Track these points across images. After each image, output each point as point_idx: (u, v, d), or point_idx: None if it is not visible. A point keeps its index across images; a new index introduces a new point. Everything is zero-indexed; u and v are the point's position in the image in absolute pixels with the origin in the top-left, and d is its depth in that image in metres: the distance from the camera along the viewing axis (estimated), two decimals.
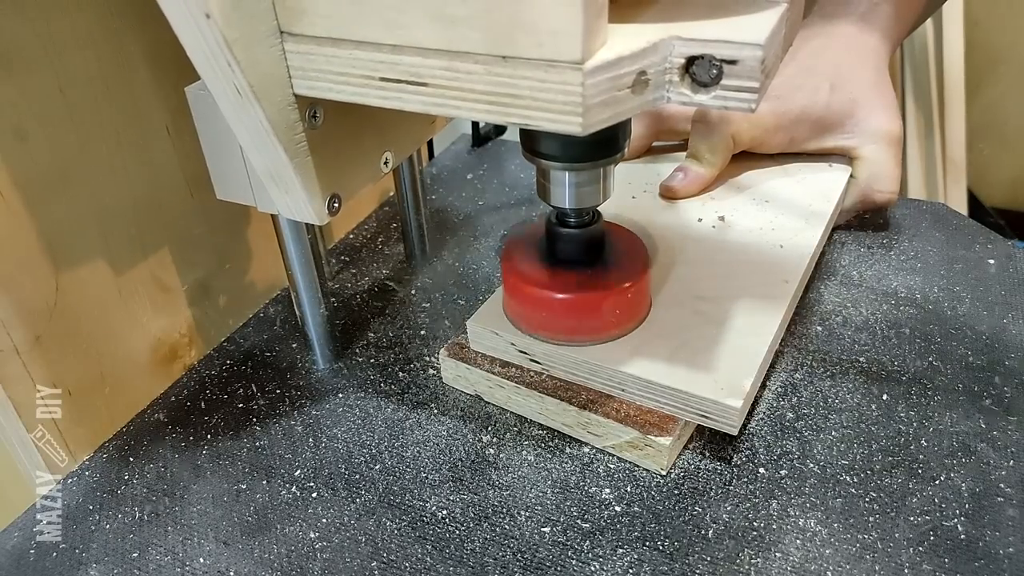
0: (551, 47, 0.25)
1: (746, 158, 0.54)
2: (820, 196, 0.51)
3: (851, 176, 0.53)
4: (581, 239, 0.40)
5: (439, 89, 0.28)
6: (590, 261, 0.40)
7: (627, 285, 0.39)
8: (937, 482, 0.37)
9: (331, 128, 0.34)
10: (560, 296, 0.39)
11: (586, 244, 0.40)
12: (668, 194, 0.52)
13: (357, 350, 0.48)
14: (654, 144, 0.58)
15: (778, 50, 0.28)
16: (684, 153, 0.53)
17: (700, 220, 0.49)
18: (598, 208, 0.40)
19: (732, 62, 0.25)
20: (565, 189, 0.37)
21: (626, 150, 0.36)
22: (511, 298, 0.42)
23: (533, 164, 0.37)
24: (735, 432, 0.37)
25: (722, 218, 0.49)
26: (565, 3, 0.24)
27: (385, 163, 0.39)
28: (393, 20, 0.27)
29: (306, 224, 0.42)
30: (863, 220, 0.55)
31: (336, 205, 0.36)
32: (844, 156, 0.53)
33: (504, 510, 0.37)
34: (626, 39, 0.26)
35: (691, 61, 0.26)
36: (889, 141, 0.51)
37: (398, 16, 0.27)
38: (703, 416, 0.37)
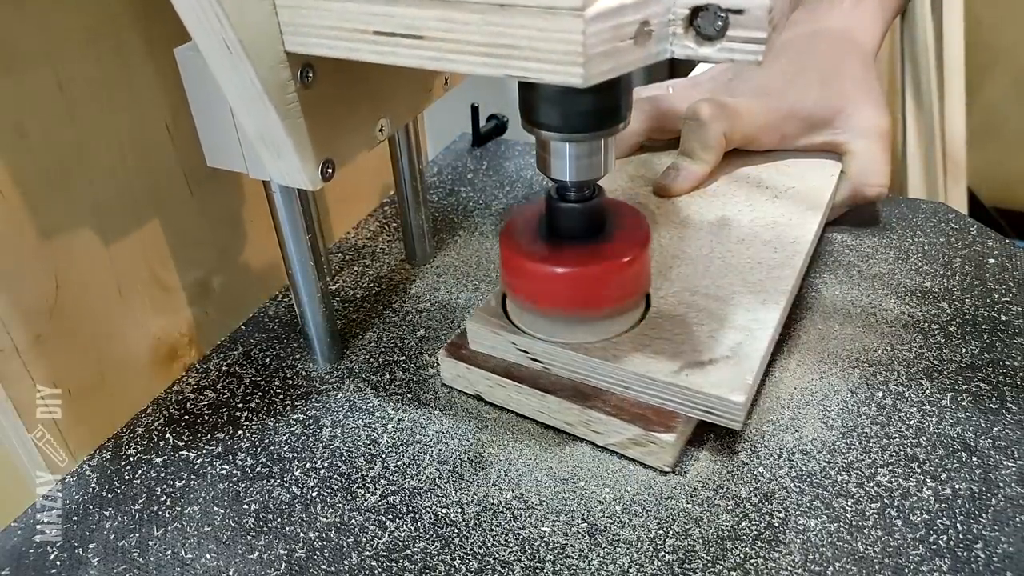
0: None
1: (738, 155, 0.54)
2: (813, 191, 0.51)
3: (841, 171, 0.53)
4: (582, 214, 0.39)
5: (435, 42, 0.27)
6: (590, 236, 0.40)
7: (627, 259, 0.38)
8: (937, 482, 0.37)
9: (324, 89, 0.33)
10: (560, 270, 0.38)
11: (587, 219, 0.39)
12: (662, 192, 0.52)
13: (357, 350, 0.48)
14: (644, 144, 0.58)
15: (784, 1, 0.27)
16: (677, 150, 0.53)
17: (696, 217, 0.49)
18: (599, 183, 0.39)
19: (738, 11, 0.24)
20: (565, 162, 0.36)
21: (628, 120, 0.35)
22: (509, 275, 0.41)
23: (533, 135, 0.36)
24: (739, 427, 0.37)
25: (721, 213, 0.50)
26: None
27: (380, 130, 0.38)
28: None
29: (306, 223, 0.42)
30: (863, 219, 0.55)
31: (330, 171, 0.35)
32: (834, 152, 0.53)
33: (504, 509, 0.37)
34: None
35: (696, 12, 0.25)
36: (878, 135, 0.51)
37: None
38: (706, 412, 0.37)
